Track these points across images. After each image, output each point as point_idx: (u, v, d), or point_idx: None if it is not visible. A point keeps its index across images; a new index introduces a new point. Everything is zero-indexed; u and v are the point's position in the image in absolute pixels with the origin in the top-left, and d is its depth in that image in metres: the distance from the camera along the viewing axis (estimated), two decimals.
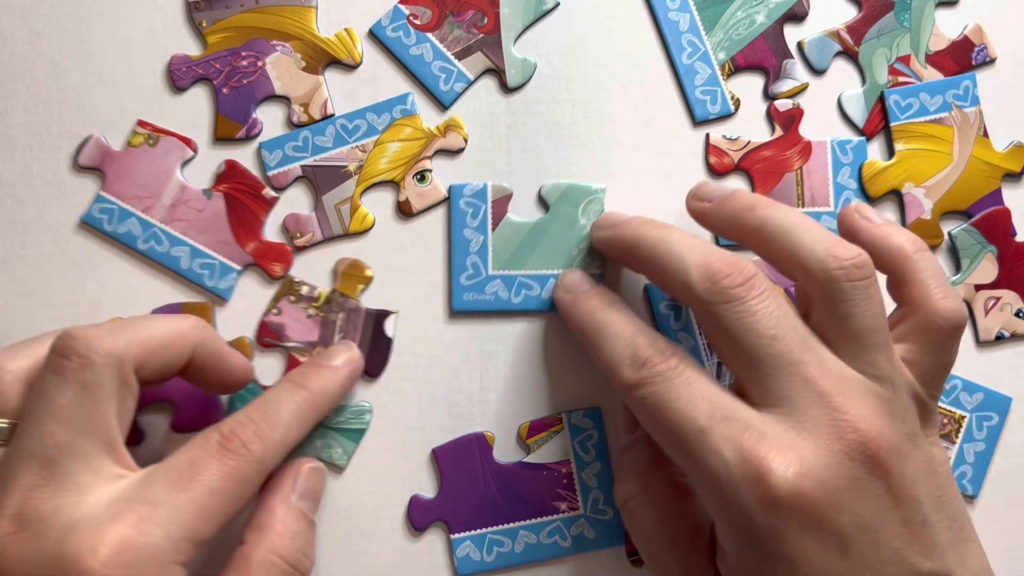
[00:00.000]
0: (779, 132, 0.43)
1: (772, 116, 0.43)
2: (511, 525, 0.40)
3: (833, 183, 0.42)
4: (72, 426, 0.30)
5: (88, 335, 0.31)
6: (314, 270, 0.41)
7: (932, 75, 0.43)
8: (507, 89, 0.43)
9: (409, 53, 0.42)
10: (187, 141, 0.41)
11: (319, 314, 0.41)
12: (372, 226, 0.41)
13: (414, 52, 0.42)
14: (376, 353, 0.41)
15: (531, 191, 0.42)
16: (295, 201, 0.41)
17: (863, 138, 0.43)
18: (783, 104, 0.43)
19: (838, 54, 0.43)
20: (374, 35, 0.42)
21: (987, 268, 0.42)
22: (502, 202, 0.41)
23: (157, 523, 0.29)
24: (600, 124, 0.43)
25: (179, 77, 0.41)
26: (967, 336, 0.42)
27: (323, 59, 0.42)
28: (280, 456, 0.33)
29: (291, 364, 0.40)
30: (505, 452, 0.41)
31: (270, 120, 0.42)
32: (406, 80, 0.42)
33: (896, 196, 0.43)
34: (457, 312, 0.41)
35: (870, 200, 0.42)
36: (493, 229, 0.41)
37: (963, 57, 0.43)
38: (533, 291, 0.41)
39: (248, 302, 0.41)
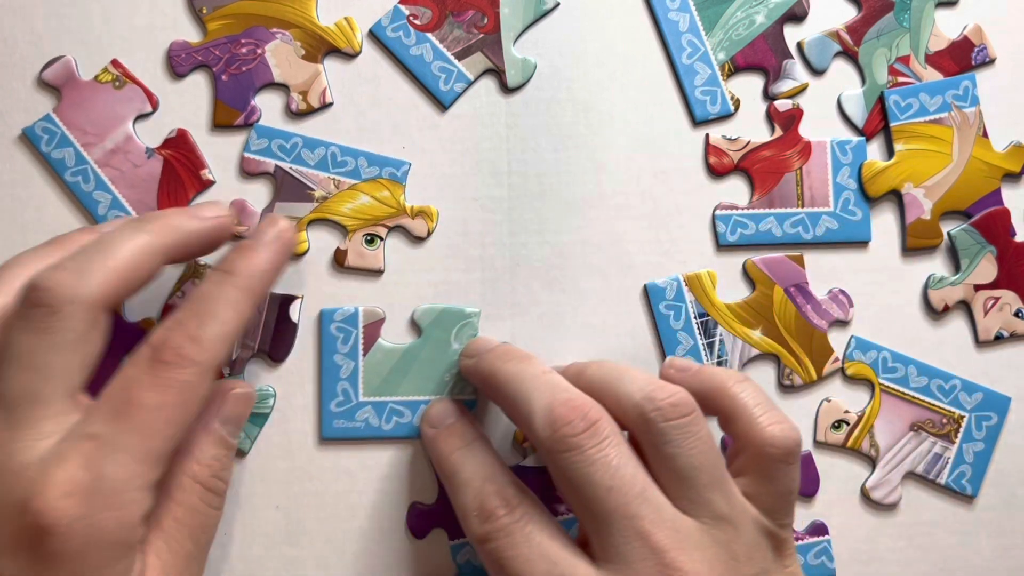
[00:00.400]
0: (779, 132, 0.43)
1: (772, 116, 0.43)
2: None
3: (833, 183, 0.42)
4: (35, 373, 0.30)
5: (55, 284, 0.30)
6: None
7: (932, 75, 0.43)
8: (507, 89, 0.43)
9: (409, 53, 0.42)
10: (150, 96, 0.41)
11: None
12: (304, 253, 0.41)
13: (414, 52, 0.42)
14: (281, 338, 0.41)
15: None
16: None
17: (863, 138, 0.43)
18: (783, 104, 0.43)
19: (838, 54, 0.43)
20: (374, 35, 0.42)
21: (986, 268, 0.42)
22: (374, 327, 0.41)
23: (102, 456, 0.29)
24: (600, 124, 0.43)
25: (178, 63, 0.42)
26: (967, 336, 0.43)
27: (323, 47, 0.42)
28: (222, 351, 0.32)
29: None
30: (502, 457, 0.41)
31: (269, 108, 0.42)
32: (406, 80, 0.43)
33: (896, 196, 0.43)
34: (327, 439, 0.41)
35: (869, 200, 0.42)
36: (364, 354, 0.41)
37: (963, 57, 0.43)
38: (404, 418, 0.41)
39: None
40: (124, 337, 0.39)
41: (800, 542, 0.41)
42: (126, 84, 0.41)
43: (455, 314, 0.41)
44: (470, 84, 0.43)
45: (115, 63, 0.41)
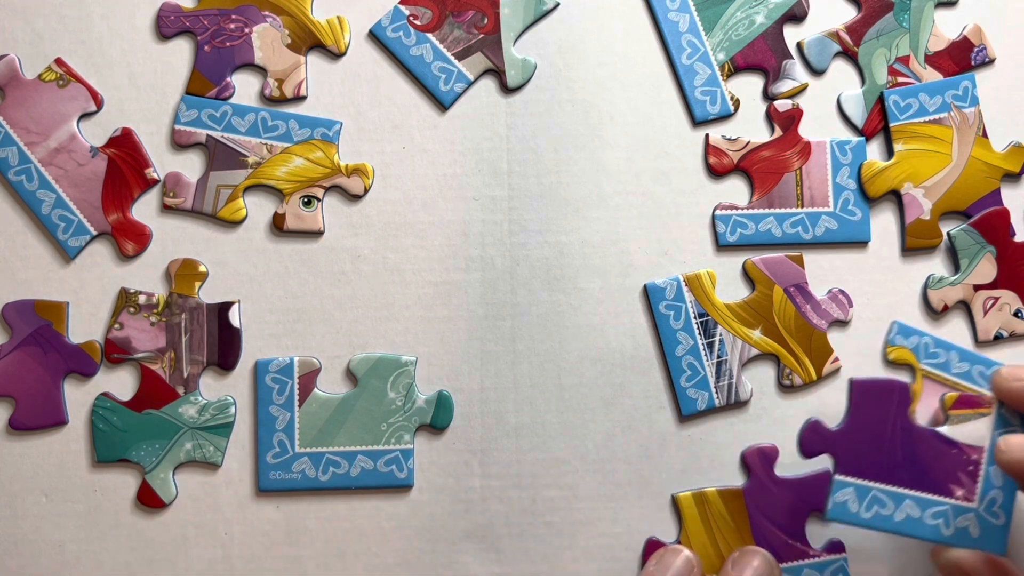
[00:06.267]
0: (779, 132, 0.43)
1: (772, 116, 0.43)
2: (901, 489, 0.37)
3: (832, 183, 0.42)
4: None
5: None
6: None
7: (931, 75, 0.43)
8: (507, 89, 0.43)
9: (409, 53, 0.42)
10: (94, 94, 0.41)
11: (162, 319, 0.41)
12: (241, 220, 0.41)
13: (414, 52, 0.42)
14: (227, 345, 0.41)
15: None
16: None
17: (862, 138, 0.43)
18: (783, 104, 0.43)
19: (837, 54, 0.43)
20: (374, 35, 0.43)
21: (986, 268, 0.42)
22: (309, 377, 0.41)
23: None
24: (600, 124, 0.43)
25: (166, 25, 0.42)
26: (966, 336, 0.43)
27: (309, 40, 0.42)
28: None
29: (144, 375, 0.40)
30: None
31: (243, 88, 0.42)
32: (406, 80, 0.43)
33: (895, 196, 0.43)
34: (264, 491, 0.41)
35: (869, 200, 0.42)
36: (300, 405, 0.41)
37: (962, 57, 0.43)
38: (341, 469, 0.40)
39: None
40: (66, 359, 0.40)
41: (815, 560, 0.41)
42: (70, 83, 0.41)
43: (391, 362, 0.41)
44: (470, 84, 0.43)
45: (59, 62, 0.41)
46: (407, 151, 0.42)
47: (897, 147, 0.43)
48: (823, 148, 0.43)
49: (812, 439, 0.38)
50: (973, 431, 0.38)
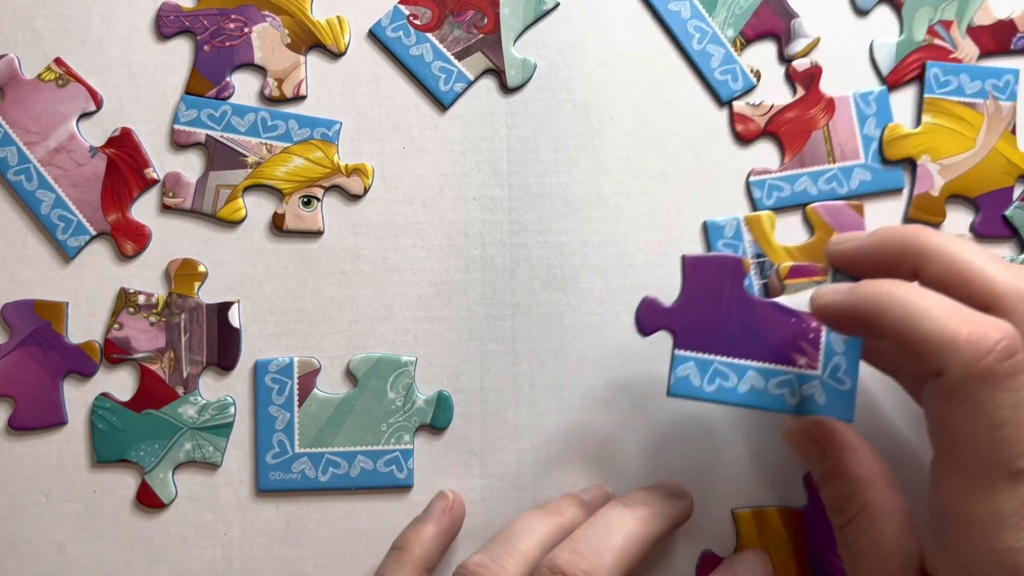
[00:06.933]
0: (801, 92, 0.43)
1: (792, 77, 0.43)
2: (742, 361, 0.36)
3: (860, 135, 0.43)
4: None
5: (574, 572, 0.33)
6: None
7: (968, 47, 0.43)
8: (507, 89, 0.43)
9: (409, 53, 0.42)
10: (94, 94, 0.41)
11: (161, 320, 0.41)
12: (240, 220, 0.41)
13: (414, 52, 0.42)
14: (227, 346, 0.41)
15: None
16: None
17: (884, 87, 0.43)
18: (801, 64, 0.43)
19: (882, 1, 0.43)
20: (374, 35, 0.43)
21: None
22: (309, 377, 0.41)
23: None
24: (600, 124, 0.43)
25: (165, 24, 0.42)
26: None
27: (309, 40, 0.42)
28: None
29: (143, 375, 0.40)
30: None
31: (243, 87, 0.42)
32: (406, 80, 0.43)
33: (911, 165, 0.43)
34: (263, 491, 0.41)
35: (885, 162, 0.42)
36: (300, 405, 0.41)
37: (1003, 39, 0.43)
38: (341, 469, 0.40)
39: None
40: (66, 359, 0.40)
41: None
42: (70, 82, 0.41)
43: (391, 362, 0.41)
44: (470, 84, 0.43)
45: (58, 61, 0.41)
46: (407, 151, 0.42)
47: (925, 118, 0.43)
48: (846, 102, 0.43)
49: (648, 316, 0.37)
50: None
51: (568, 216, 0.42)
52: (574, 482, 0.41)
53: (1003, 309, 0.29)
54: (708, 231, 0.42)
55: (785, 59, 0.43)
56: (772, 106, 0.43)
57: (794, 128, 0.43)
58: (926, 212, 0.42)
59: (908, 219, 0.42)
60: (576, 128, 0.43)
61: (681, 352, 0.36)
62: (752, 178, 0.42)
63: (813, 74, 0.43)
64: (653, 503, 0.37)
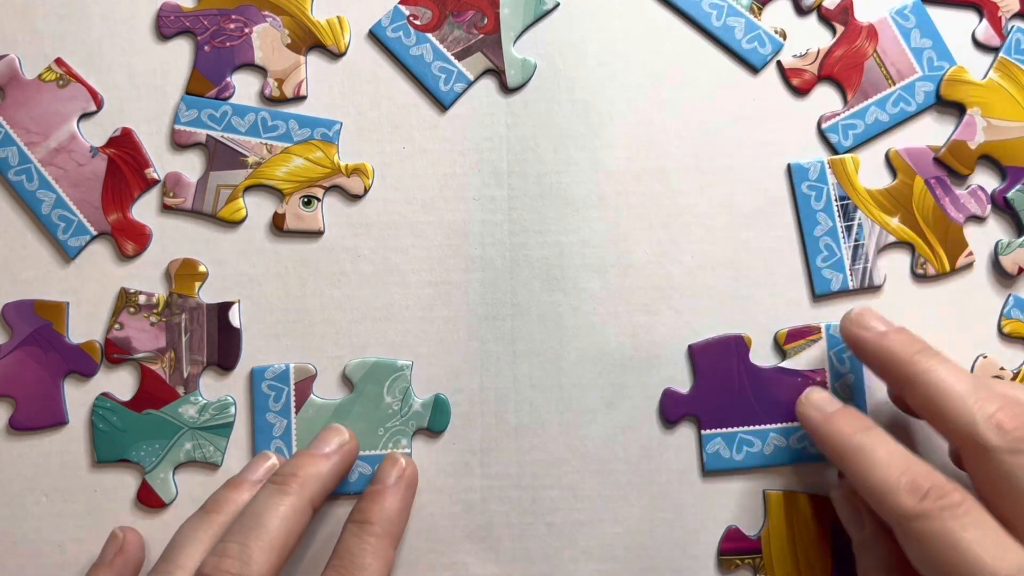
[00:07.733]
0: (840, 29, 0.43)
1: (827, 17, 0.43)
2: (762, 427, 0.40)
3: (910, 49, 0.43)
4: None
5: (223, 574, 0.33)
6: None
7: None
8: (507, 89, 0.43)
9: (409, 53, 0.42)
10: (94, 95, 0.41)
11: (161, 320, 0.41)
12: (241, 220, 0.41)
13: (414, 52, 0.42)
14: (227, 346, 0.41)
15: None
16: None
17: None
18: (831, 1, 0.43)
19: None
20: (374, 35, 0.43)
21: None
22: (305, 383, 0.41)
23: None
24: (600, 124, 0.43)
25: (166, 25, 0.42)
26: None
27: (309, 40, 0.42)
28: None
29: (144, 375, 0.41)
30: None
31: (243, 88, 0.42)
32: (406, 80, 0.43)
33: (959, 110, 0.43)
34: None
35: (940, 99, 0.43)
36: (296, 411, 0.41)
37: None
38: None
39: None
40: (66, 359, 0.40)
41: None
42: (70, 83, 0.41)
43: (387, 367, 0.41)
44: (470, 84, 0.43)
45: (59, 62, 0.42)
46: (407, 151, 0.42)
47: (993, 75, 0.43)
48: (886, 24, 0.43)
49: (670, 406, 0.41)
50: (811, 357, 0.41)
51: (568, 216, 0.42)
52: (573, 482, 0.41)
53: (975, 445, 0.32)
54: (792, 173, 0.42)
55: (803, 11, 0.43)
56: (819, 51, 0.43)
57: (847, 64, 0.43)
58: (957, 160, 0.42)
59: (938, 160, 0.42)
60: (576, 128, 0.43)
61: (707, 432, 0.40)
62: (824, 124, 0.43)
63: (846, 7, 0.43)
64: (300, 469, 0.36)
